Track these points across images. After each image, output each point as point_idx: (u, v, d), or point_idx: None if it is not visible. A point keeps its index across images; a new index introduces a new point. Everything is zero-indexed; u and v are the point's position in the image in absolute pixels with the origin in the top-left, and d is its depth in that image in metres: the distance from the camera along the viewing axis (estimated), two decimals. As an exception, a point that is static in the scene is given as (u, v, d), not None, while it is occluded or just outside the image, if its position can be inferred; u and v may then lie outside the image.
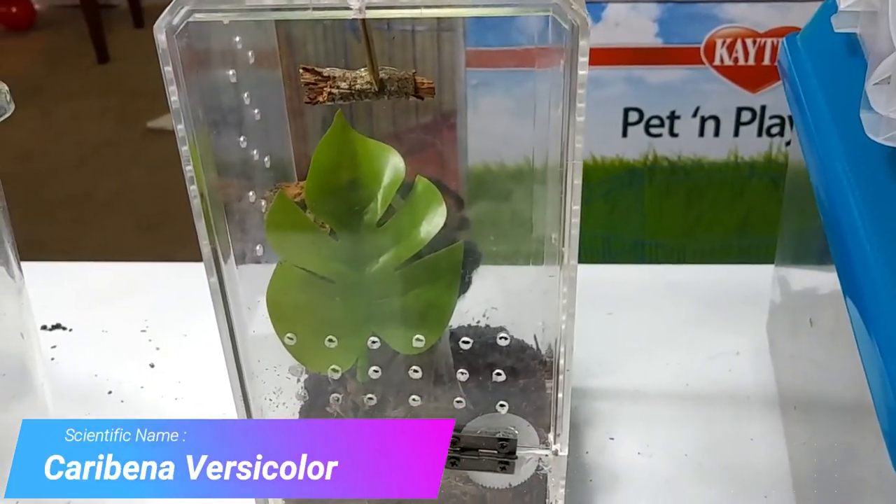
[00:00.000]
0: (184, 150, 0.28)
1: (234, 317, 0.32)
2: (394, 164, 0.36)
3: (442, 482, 0.37)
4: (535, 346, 0.40)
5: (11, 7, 3.12)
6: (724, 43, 0.95)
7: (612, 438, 0.45)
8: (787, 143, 0.99)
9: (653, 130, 1.00)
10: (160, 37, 0.26)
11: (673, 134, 1.00)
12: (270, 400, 0.35)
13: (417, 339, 0.34)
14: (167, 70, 0.27)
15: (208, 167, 0.30)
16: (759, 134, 0.99)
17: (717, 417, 0.46)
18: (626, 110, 0.99)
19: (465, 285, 0.37)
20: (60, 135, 2.17)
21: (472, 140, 0.73)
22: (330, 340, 0.34)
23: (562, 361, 0.32)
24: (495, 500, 0.37)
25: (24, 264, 0.40)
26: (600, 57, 0.96)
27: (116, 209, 1.81)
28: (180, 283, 0.50)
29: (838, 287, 0.30)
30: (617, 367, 0.50)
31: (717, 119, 0.99)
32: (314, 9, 0.26)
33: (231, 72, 0.32)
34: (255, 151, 0.35)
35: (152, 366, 0.51)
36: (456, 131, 0.74)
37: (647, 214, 1.04)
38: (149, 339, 0.53)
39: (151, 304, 0.55)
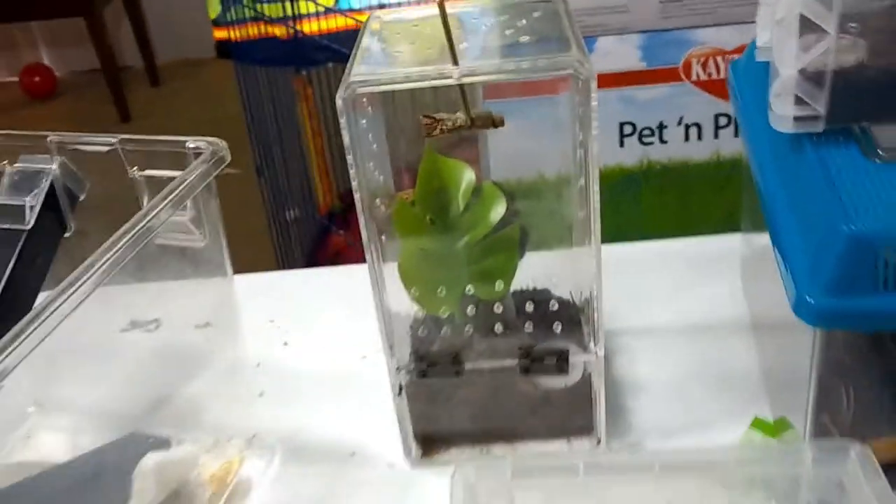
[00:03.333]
0: (352, 173, 0.46)
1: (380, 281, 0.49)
2: (467, 175, 0.53)
3: (513, 386, 0.54)
4: (570, 300, 0.57)
5: (35, 77, 3.31)
6: (699, 61, 1.13)
7: (632, 361, 0.62)
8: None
9: (645, 139, 1.17)
10: (339, 103, 0.44)
11: (663, 141, 1.17)
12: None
13: (499, 284, 0.51)
14: (343, 122, 0.44)
15: (363, 186, 0.47)
16: (736, 135, 1.17)
17: (709, 341, 0.63)
18: (621, 124, 1.16)
19: (521, 252, 0.54)
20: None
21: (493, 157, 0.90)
22: (440, 291, 0.51)
23: (595, 287, 0.49)
24: (557, 399, 0.54)
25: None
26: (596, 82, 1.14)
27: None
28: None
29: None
30: (634, 313, 0.66)
31: (699, 125, 1.16)
32: (434, 79, 0.43)
33: (364, 121, 0.49)
34: (377, 173, 0.52)
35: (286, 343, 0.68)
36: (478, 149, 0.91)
37: (645, 213, 1.22)
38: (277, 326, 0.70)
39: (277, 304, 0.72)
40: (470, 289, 0.51)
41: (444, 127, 0.46)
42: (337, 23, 2.02)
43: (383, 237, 0.51)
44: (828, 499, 0.39)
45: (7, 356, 0.36)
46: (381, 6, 1.96)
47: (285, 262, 1.79)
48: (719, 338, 0.63)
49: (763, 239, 0.61)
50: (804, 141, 0.45)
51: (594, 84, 0.43)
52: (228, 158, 0.48)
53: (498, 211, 0.53)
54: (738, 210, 1.22)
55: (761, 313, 0.62)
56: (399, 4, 1.93)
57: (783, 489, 0.40)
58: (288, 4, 2.00)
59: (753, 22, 0.59)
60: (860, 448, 0.39)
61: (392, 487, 0.56)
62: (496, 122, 0.48)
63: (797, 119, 0.44)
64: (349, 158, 0.45)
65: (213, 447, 0.58)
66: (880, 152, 0.42)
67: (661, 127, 1.16)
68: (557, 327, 0.53)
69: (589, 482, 0.40)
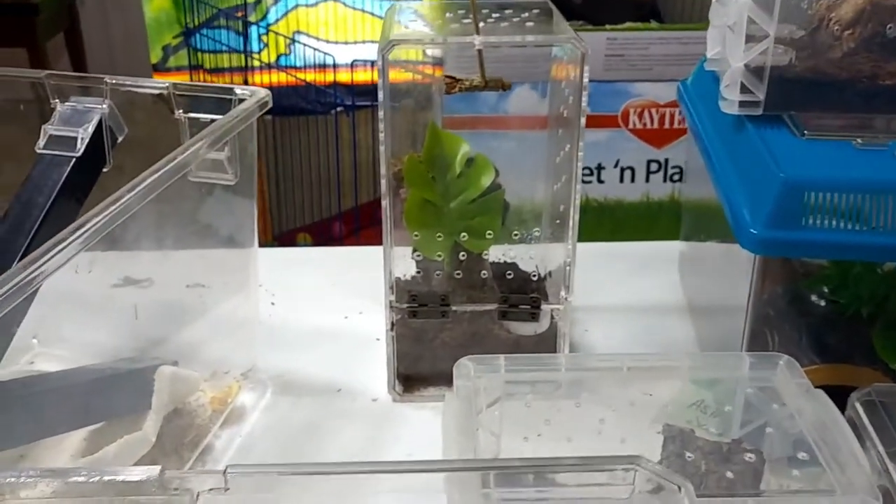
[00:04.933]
0: (381, 126, 0.54)
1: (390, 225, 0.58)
2: (464, 147, 0.62)
3: (490, 331, 0.62)
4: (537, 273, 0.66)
5: None
6: (635, 111, 1.26)
7: (586, 330, 0.71)
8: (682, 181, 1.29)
9: (585, 178, 1.29)
10: (380, 60, 0.52)
11: (600, 181, 1.29)
12: (398, 277, 0.60)
13: (488, 234, 0.59)
14: (380, 79, 0.53)
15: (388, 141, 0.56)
16: (665, 180, 1.30)
17: (652, 318, 0.73)
18: (564, 163, 1.28)
19: (503, 218, 0.63)
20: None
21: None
22: (438, 237, 0.59)
23: (570, 244, 0.58)
24: (527, 343, 0.63)
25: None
26: (540, 124, 1.25)
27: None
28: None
29: (709, 242, 0.57)
30: (586, 296, 0.76)
31: (632, 169, 1.29)
32: (460, 43, 0.53)
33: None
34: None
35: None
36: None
37: (582, 245, 1.33)
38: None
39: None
40: (464, 236, 0.59)
41: (461, 86, 0.56)
42: (279, 78, 2.13)
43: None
44: (762, 395, 0.48)
45: (47, 261, 0.40)
46: (322, 67, 2.07)
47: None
48: (661, 315, 0.73)
49: (698, 245, 0.72)
50: (746, 122, 0.55)
51: (587, 58, 0.53)
52: (270, 104, 0.56)
53: (487, 178, 0.62)
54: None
55: (696, 298, 0.72)
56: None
57: (725, 389, 0.49)
58: (232, 56, 2.11)
59: (683, 79, 0.72)
60: (787, 358, 0.48)
61: (375, 418, 0.62)
62: (504, 86, 0.57)
63: (742, 104, 0.55)
64: (380, 113, 0.54)
65: (211, 378, 0.64)
66: (805, 132, 0.53)
67: (600, 168, 1.28)
68: (528, 287, 0.61)
69: (569, 377, 0.48)
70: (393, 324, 0.61)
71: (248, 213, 0.61)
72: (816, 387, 0.45)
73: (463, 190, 0.61)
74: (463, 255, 0.60)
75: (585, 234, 1.31)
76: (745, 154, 0.54)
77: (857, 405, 0.42)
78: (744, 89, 0.54)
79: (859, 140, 0.52)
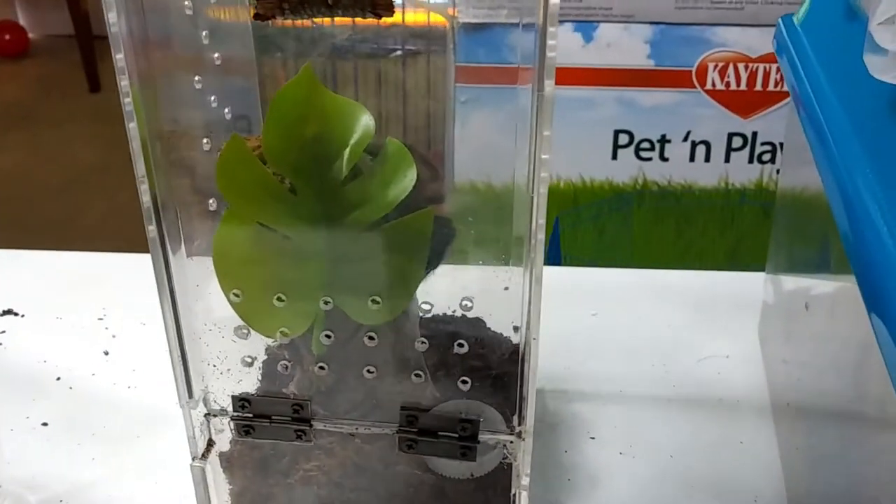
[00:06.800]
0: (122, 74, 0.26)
1: (173, 269, 0.29)
2: (364, 122, 0.33)
3: (398, 470, 0.34)
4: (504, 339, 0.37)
5: (5, 35, 3.13)
6: (715, 67, 0.94)
7: (592, 438, 0.42)
8: (779, 171, 0.97)
9: (643, 154, 0.98)
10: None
11: (663, 158, 0.98)
12: (214, 366, 0.32)
13: (373, 302, 0.31)
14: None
15: (152, 106, 0.27)
16: (751, 160, 0.98)
17: (706, 420, 0.43)
18: (616, 132, 0.97)
19: (435, 258, 0.35)
20: (48, 159, 2.15)
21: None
22: (279, 299, 0.31)
23: (525, 332, 0.30)
24: (455, 494, 0.34)
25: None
26: (591, 77, 0.95)
27: (102, 232, 1.79)
28: (142, 274, 0.47)
29: (833, 288, 0.28)
30: (600, 367, 0.47)
31: (707, 144, 0.97)
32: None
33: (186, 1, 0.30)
34: (212, 98, 0.32)
35: (107, 353, 0.48)
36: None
37: (636, 240, 1.02)
38: (105, 326, 0.50)
39: (110, 293, 0.52)
40: (328, 301, 0.31)
41: (285, 3, 0.26)
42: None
43: (210, 203, 0.31)
44: None
45: None
46: None
47: None
48: (724, 417, 0.44)
49: (803, 282, 0.41)
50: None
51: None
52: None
53: (403, 185, 0.33)
54: (743, 251, 1.03)
55: (790, 390, 0.42)
56: None
57: None
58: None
59: (786, 15, 0.41)
60: None
61: None
62: (378, 5, 0.27)
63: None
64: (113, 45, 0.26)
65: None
66: None
67: (664, 141, 0.97)
68: (475, 379, 0.33)
69: None
70: (209, 444, 0.33)
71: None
72: None
73: (354, 206, 0.33)
74: (336, 330, 0.32)
75: (642, 227, 1.01)
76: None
77: None
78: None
79: None
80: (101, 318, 0.50)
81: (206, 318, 0.31)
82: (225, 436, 0.33)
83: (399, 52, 0.37)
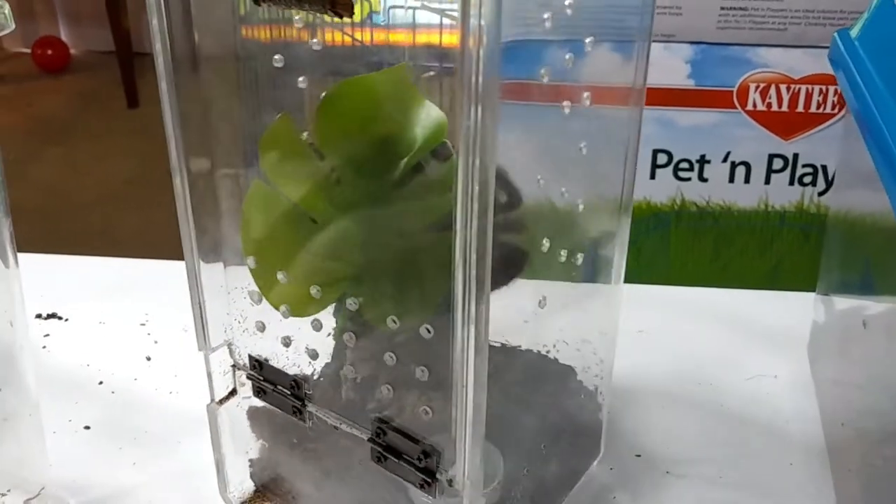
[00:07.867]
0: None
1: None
2: (435, 116, 0.32)
3: (377, 482, 0.32)
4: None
5: (48, 50, 3.19)
6: (757, 87, 0.93)
7: (638, 455, 0.41)
8: (820, 194, 0.96)
9: (681, 174, 0.97)
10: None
11: (702, 178, 0.97)
12: (238, 322, 0.32)
13: (392, 319, 0.29)
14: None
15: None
16: (791, 182, 0.96)
17: (755, 440, 0.42)
18: (655, 152, 0.96)
19: (512, 274, 0.34)
20: (85, 173, 2.18)
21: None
22: (312, 290, 0.30)
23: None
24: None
25: (22, 255, 0.37)
26: (620, 99, 0.94)
27: (135, 246, 1.80)
28: (185, 281, 0.47)
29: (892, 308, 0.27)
30: (646, 385, 0.46)
31: (747, 165, 0.96)
32: None
33: None
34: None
35: (149, 359, 0.48)
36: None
37: (673, 260, 1.01)
38: (147, 332, 0.50)
39: (152, 299, 0.53)
40: (355, 302, 0.30)
41: None
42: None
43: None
44: None
45: None
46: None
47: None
48: (773, 438, 0.43)
49: (856, 302, 0.40)
50: None
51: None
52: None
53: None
54: (782, 275, 1.01)
55: (842, 411, 0.41)
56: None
57: None
58: None
59: (842, 29, 0.40)
60: None
61: None
62: (338, 4, 0.27)
63: None
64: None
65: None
66: None
67: (703, 161, 0.96)
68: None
69: None
70: (233, 392, 0.33)
71: None
72: None
73: (399, 209, 0.32)
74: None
75: (679, 248, 1.00)
76: None
77: None
78: None
79: None
80: (143, 324, 0.51)
81: (231, 272, 0.31)
82: (247, 390, 0.33)
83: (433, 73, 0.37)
